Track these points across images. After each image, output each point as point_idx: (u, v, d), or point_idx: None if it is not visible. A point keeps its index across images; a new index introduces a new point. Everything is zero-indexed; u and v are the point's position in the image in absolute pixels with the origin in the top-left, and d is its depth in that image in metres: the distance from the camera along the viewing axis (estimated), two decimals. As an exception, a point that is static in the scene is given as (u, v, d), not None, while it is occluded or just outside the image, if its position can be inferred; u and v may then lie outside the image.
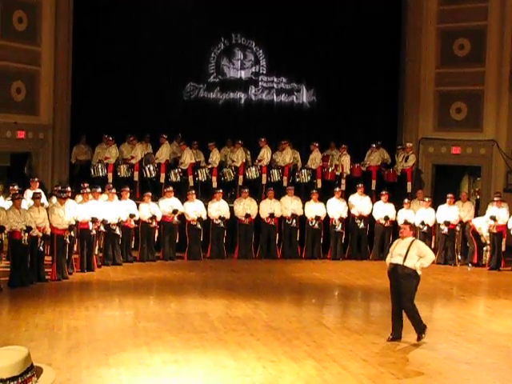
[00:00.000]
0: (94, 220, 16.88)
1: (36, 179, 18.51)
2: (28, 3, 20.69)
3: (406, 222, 12.70)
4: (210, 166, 20.95)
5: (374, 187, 21.23)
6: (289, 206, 19.75)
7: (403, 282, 11.14)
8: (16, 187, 17.63)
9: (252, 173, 20.88)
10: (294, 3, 22.96)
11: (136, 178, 20.60)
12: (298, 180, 21.09)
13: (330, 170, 21.31)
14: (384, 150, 21.91)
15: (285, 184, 20.84)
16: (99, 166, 20.35)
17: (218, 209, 19.37)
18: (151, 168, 20.59)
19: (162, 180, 20.76)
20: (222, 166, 21.23)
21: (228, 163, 21.22)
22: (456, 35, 22.79)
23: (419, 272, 11.18)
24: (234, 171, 21.00)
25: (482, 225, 18.87)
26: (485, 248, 18.90)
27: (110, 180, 20.12)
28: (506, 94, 22.09)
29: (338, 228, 19.62)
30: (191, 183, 20.64)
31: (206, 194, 20.35)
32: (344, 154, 21.44)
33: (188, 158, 20.83)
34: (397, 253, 11.27)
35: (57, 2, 21.23)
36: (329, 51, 23.33)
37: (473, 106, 22.66)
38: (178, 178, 20.59)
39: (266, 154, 21.10)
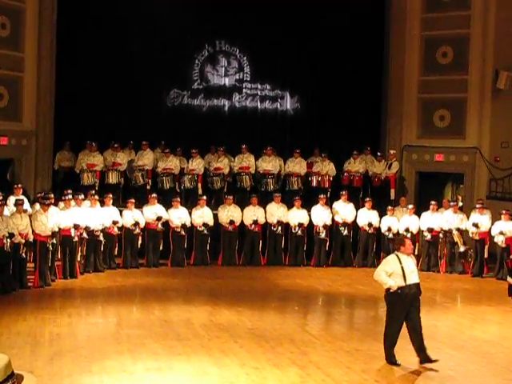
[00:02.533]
0: (76, 227, 16.81)
1: (19, 185, 18.41)
2: (12, 9, 20.60)
3: (406, 236, 12.53)
4: (195, 173, 20.89)
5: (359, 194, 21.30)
6: (275, 212, 19.74)
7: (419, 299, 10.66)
8: (-1, 194, 17.57)
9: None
10: (278, 11, 22.99)
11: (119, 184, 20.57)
12: (287, 188, 21.08)
13: (314, 177, 21.33)
14: (367, 157, 21.99)
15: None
16: (89, 175, 20.20)
17: (202, 215, 19.34)
18: (141, 175, 20.54)
19: (148, 187, 20.75)
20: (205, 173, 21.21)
21: (211, 170, 21.17)
22: (439, 43, 22.90)
23: None
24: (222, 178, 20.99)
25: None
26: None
27: (96, 187, 20.01)
28: (488, 102, 22.21)
29: (322, 235, 19.63)
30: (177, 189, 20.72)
31: (190, 200, 20.34)
32: (326, 161, 21.47)
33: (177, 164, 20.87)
34: (410, 271, 10.47)
35: (40, 8, 21.16)
36: (312, 58, 23.38)
37: (456, 114, 22.76)
38: (168, 184, 20.57)
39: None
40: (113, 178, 20.45)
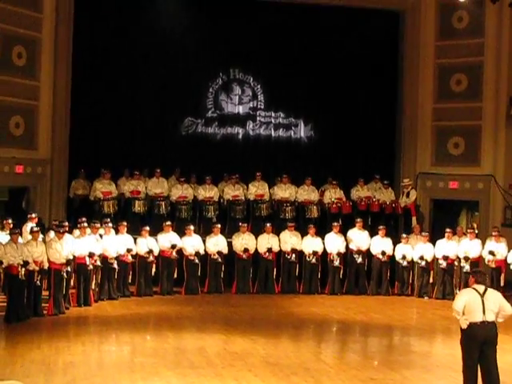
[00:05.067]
0: (91, 255, 16.84)
1: (34, 215, 18.45)
2: (28, 39, 20.80)
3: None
4: (212, 200, 20.92)
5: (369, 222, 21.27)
6: (288, 240, 19.70)
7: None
8: (10, 221, 17.63)
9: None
10: (292, 40, 23.16)
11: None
12: (307, 216, 21.07)
13: (327, 205, 21.33)
14: (376, 184, 22.03)
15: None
16: (109, 203, 20.21)
17: (217, 243, 19.33)
18: (164, 204, 20.56)
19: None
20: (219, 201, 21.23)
21: (225, 198, 21.20)
22: (453, 70, 22.92)
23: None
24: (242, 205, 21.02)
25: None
26: None
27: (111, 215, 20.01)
28: (503, 129, 22.16)
29: (336, 263, 19.57)
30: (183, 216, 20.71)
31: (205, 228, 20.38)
32: (336, 189, 21.49)
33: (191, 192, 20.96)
34: (490, 309, 9.70)
35: (56, 38, 21.35)
36: (326, 87, 23.45)
37: (470, 141, 22.73)
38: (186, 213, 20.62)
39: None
40: (139, 207, 20.46)
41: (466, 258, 18.94)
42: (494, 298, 9.79)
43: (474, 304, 9.63)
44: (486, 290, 9.78)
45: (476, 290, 9.73)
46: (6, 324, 14.64)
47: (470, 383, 9.68)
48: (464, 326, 9.66)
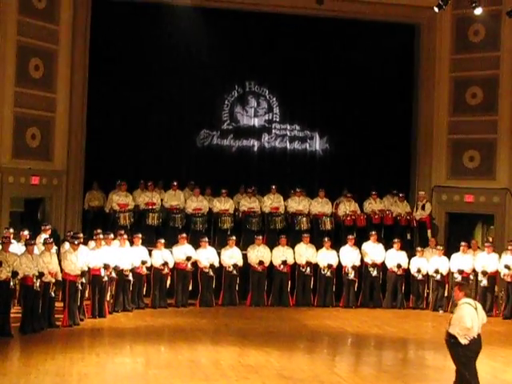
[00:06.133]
0: (106, 266, 16.88)
1: (48, 226, 18.50)
2: (45, 51, 20.91)
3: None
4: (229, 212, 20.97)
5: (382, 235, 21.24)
6: (303, 253, 19.69)
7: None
8: (26, 232, 17.69)
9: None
10: (308, 53, 23.20)
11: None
12: (321, 228, 21.04)
13: (341, 217, 21.31)
14: (393, 198, 22.01)
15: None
16: (126, 215, 20.27)
17: (232, 256, 19.34)
18: (179, 216, 20.60)
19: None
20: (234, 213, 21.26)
21: (240, 210, 21.24)
22: (468, 84, 22.88)
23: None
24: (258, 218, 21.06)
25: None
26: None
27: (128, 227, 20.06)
28: (518, 143, 22.11)
29: (351, 276, 19.54)
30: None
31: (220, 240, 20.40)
32: (351, 202, 21.48)
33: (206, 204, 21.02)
34: (481, 321, 10.12)
35: (73, 50, 21.45)
36: (342, 99, 23.47)
37: (486, 155, 22.65)
38: (201, 225, 20.66)
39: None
40: (153, 220, 20.50)
41: (484, 273, 18.86)
42: (482, 310, 10.15)
43: (474, 319, 9.86)
44: (475, 303, 10.12)
45: (470, 305, 9.95)
46: (20, 335, 14.68)
47: None
48: (466, 342, 9.81)
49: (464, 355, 9.92)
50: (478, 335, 9.94)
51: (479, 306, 10.16)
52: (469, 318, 9.83)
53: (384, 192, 22.19)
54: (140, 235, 18.71)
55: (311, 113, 23.96)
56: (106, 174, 21.61)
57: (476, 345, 9.94)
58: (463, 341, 9.79)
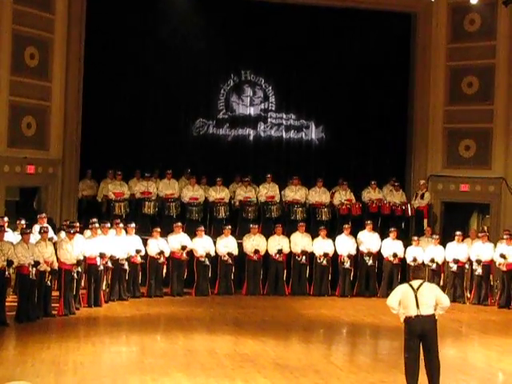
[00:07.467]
0: (101, 255, 16.88)
1: (44, 215, 18.49)
2: (40, 40, 20.82)
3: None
4: (222, 202, 20.96)
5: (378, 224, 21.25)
6: (299, 242, 19.70)
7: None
8: (23, 222, 17.66)
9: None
10: (304, 41, 23.15)
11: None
12: (318, 218, 21.02)
13: (336, 206, 21.31)
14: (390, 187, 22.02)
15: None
16: (121, 205, 20.26)
17: (227, 245, 19.35)
18: (175, 205, 20.59)
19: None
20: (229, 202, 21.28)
21: (236, 199, 21.25)
22: (464, 73, 22.85)
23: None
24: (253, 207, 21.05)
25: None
26: None
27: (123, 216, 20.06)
28: (514, 132, 22.11)
29: (347, 265, 19.56)
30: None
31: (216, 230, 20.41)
32: (346, 190, 21.48)
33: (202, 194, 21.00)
34: (424, 303, 10.21)
35: (69, 39, 21.35)
36: (338, 88, 23.45)
37: (481, 144, 22.64)
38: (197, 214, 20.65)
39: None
40: (149, 208, 20.50)
41: (479, 261, 18.91)
42: (430, 291, 10.23)
43: (408, 299, 10.11)
44: (421, 284, 10.21)
45: (410, 286, 10.19)
46: (16, 324, 14.70)
47: (408, 374, 10.18)
48: (401, 320, 10.24)
49: (404, 334, 10.27)
50: (417, 317, 10.03)
51: (426, 287, 10.21)
52: (393, 296, 10.31)
53: (380, 181, 22.18)
54: (134, 225, 18.71)
55: (307, 102, 23.90)
56: (102, 163, 21.60)
57: (412, 326, 10.09)
58: (400, 318, 10.26)
